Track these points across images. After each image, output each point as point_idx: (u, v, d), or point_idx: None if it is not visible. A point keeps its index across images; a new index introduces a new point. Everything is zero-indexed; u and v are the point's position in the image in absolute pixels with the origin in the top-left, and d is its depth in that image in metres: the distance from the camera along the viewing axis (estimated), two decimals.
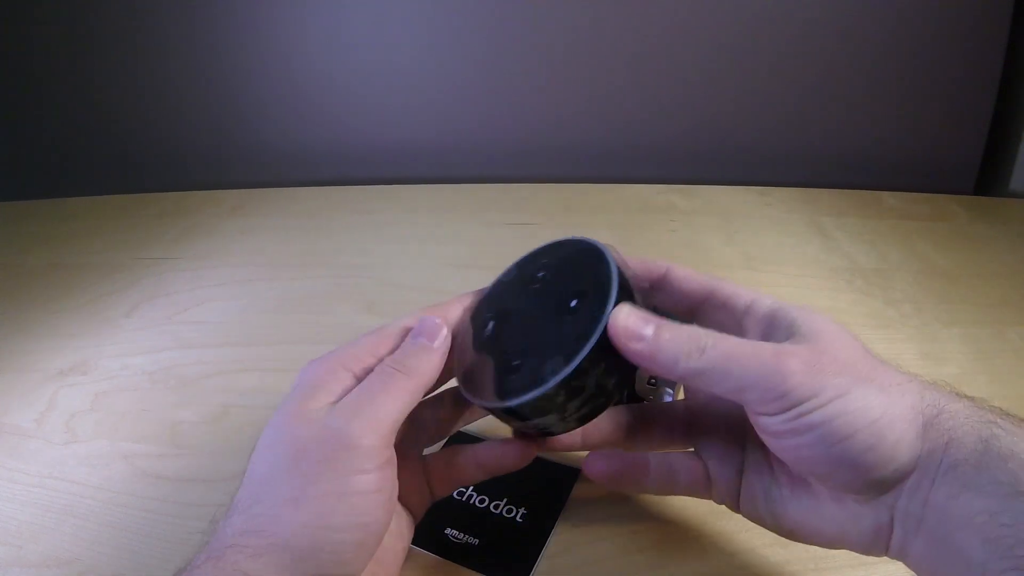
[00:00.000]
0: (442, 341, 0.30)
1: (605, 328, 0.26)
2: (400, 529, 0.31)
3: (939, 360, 0.49)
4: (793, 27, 0.73)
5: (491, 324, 0.31)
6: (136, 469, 0.42)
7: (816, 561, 0.34)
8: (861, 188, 0.75)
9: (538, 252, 0.34)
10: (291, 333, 0.54)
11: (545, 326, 0.29)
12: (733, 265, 0.61)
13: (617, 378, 0.28)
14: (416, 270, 0.62)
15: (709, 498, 0.32)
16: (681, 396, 0.38)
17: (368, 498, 0.25)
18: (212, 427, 0.45)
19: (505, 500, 0.37)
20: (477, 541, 0.35)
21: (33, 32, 0.77)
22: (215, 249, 0.67)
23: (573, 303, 0.28)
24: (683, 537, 0.35)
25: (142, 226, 0.73)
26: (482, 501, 0.37)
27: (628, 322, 0.26)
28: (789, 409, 0.24)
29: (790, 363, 0.24)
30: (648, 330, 0.26)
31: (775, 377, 0.24)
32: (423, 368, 0.29)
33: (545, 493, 0.38)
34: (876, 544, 0.26)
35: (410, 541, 0.32)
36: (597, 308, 0.27)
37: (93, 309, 0.58)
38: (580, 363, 0.26)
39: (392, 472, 0.27)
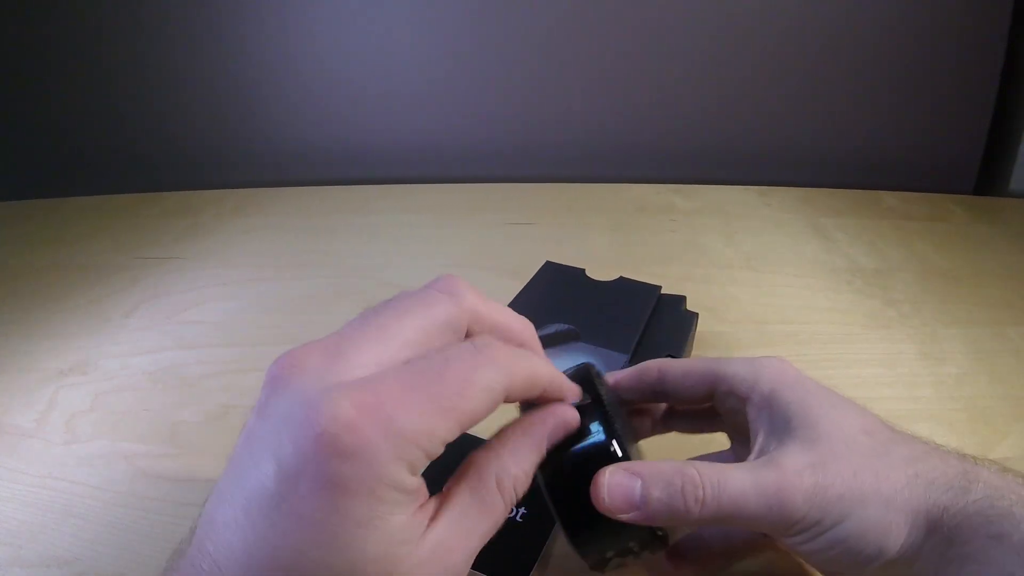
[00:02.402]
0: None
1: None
2: None
3: (939, 360, 0.49)
4: (793, 27, 0.73)
5: None
6: (136, 469, 0.42)
7: None
8: (861, 188, 0.75)
9: None
10: (291, 333, 0.54)
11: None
12: (733, 265, 0.61)
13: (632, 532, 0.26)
14: (416, 270, 0.62)
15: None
16: None
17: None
18: (212, 427, 0.45)
19: None
20: None
21: (34, 32, 0.77)
22: (216, 249, 0.67)
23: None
24: (683, 536, 0.35)
25: (142, 226, 0.73)
26: None
27: (612, 493, 0.24)
28: (796, 535, 0.25)
29: (794, 498, 0.24)
30: (636, 495, 0.24)
31: (781, 512, 0.24)
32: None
33: None
34: None
35: None
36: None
37: (93, 309, 0.58)
38: (575, 543, 0.26)
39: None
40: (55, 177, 0.86)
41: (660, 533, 0.26)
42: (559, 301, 0.47)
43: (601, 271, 0.50)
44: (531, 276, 0.51)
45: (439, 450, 0.21)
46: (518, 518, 0.36)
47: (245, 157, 0.84)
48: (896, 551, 0.24)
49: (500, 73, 0.79)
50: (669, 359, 0.32)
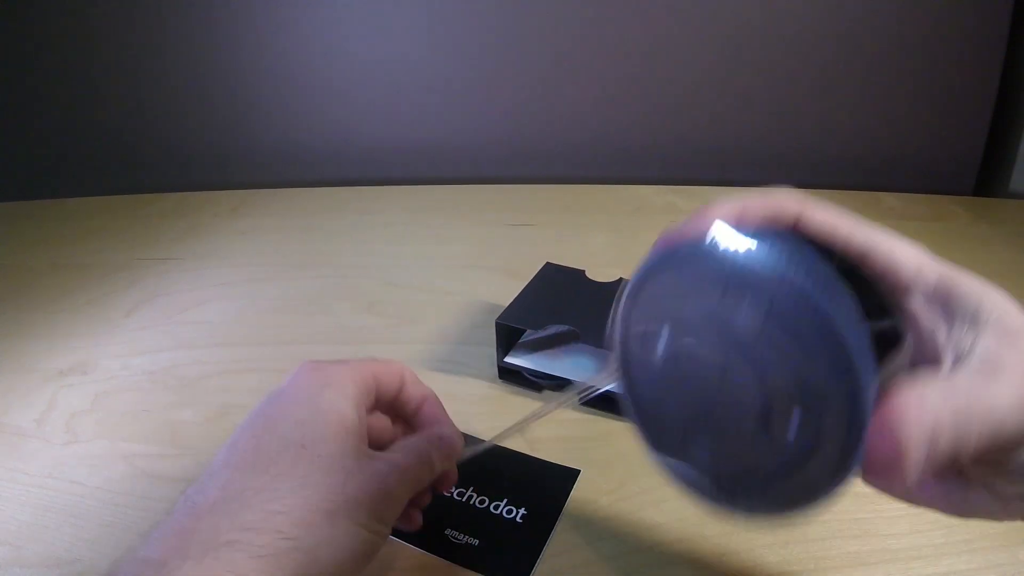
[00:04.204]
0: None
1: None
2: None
3: None
4: (793, 28, 0.73)
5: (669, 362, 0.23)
6: (136, 469, 0.42)
7: (816, 561, 0.34)
8: (861, 188, 0.75)
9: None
10: (291, 333, 0.54)
11: (747, 431, 0.21)
12: None
13: None
14: (416, 270, 0.62)
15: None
16: None
17: (357, 557, 0.27)
18: (212, 427, 0.45)
19: (505, 500, 0.37)
20: (477, 541, 0.35)
21: (33, 32, 0.77)
22: (215, 249, 0.67)
23: (793, 419, 0.20)
24: (682, 537, 0.35)
25: (142, 226, 0.73)
26: (482, 501, 0.37)
27: (903, 461, 0.18)
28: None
29: None
30: (910, 470, 0.18)
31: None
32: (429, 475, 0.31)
33: (545, 493, 0.38)
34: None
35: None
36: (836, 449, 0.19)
37: (93, 309, 0.58)
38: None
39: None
40: (55, 177, 0.86)
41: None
42: (559, 301, 0.47)
43: (601, 271, 0.50)
44: (531, 276, 0.51)
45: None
46: (518, 518, 0.36)
47: (245, 157, 0.84)
48: None
49: (500, 74, 0.79)
50: (808, 200, 0.24)
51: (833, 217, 0.23)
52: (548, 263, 0.53)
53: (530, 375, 0.46)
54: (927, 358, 0.22)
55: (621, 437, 0.42)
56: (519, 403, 0.45)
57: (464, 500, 0.37)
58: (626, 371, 0.25)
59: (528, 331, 0.48)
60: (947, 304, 0.22)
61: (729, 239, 0.21)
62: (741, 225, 0.22)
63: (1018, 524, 0.23)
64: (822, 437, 0.19)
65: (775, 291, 0.19)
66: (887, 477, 0.18)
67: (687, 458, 0.23)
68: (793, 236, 0.22)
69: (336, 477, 0.26)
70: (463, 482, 0.38)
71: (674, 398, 0.23)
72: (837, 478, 0.19)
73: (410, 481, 0.29)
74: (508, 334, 0.47)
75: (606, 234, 0.67)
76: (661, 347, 0.23)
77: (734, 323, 0.20)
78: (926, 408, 0.18)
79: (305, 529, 0.25)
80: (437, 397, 0.35)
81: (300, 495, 0.25)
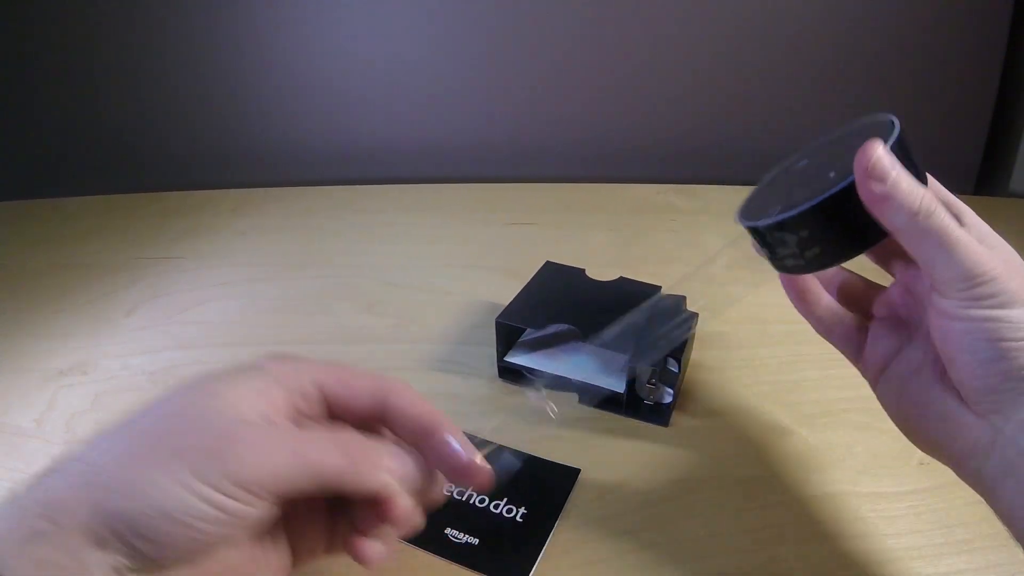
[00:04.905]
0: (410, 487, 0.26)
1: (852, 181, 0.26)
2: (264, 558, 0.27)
3: None
4: (792, 27, 0.73)
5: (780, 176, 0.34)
6: None
7: (816, 560, 0.34)
8: None
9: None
10: (291, 333, 0.54)
11: (818, 176, 0.29)
12: (733, 265, 0.61)
13: (855, 231, 0.28)
14: (416, 270, 0.62)
15: (855, 363, 0.35)
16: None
17: (212, 526, 0.22)
18: None
19: (505, 500, 0.37)
20: (477, 541, 0.35)
21: (33, 32, 0.77)
22: (215, 249, 0.67)
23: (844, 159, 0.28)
24: (682, 537, 0.35)
25: (142, 226, 0.73)
26: (482, 501, 0.37)
27: (876, 161, 0.26)
28: (975, 300, 0.26)
29: (996, 266, 0.26)
30: (892, 173, 0.26)
31: (979, 270, 0.26)
32: (372, 478, 0.25)
33: (545, 493, 0.38)
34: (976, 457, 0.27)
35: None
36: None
37: (93, 309, 0.58)
38: (824, 200, 0.27)
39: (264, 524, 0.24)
40: (55, 177, 0.86)
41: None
42: (559, 301, 0.47)
43: (601, 271, 0.50)
44: (531, 276, 0.51)
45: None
46: (518, 518, 0.36)
47: (245, 157, 0.84)
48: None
49: (500, 73, 0.79)
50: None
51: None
52: (548, 262, 0.53)
53: (530, 374, 0.46)
54: None
55: (621, 437, 0.42)
56: (519, 403, 0.45)
57: (464, 499, 0.37)
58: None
59: (528, 330, 0.48)
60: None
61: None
62: None
63: None
64: None
65: None
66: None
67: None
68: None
69: (183, 423, 0.24)
70: None
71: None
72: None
73: (308, 465, 0.24)
74: (508, 333, 0.47)
75: (606, 234, 0.67)
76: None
77: None
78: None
79: (122, 466, 0.23)
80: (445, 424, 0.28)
81: (137, 438, 0.24)
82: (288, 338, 0.54)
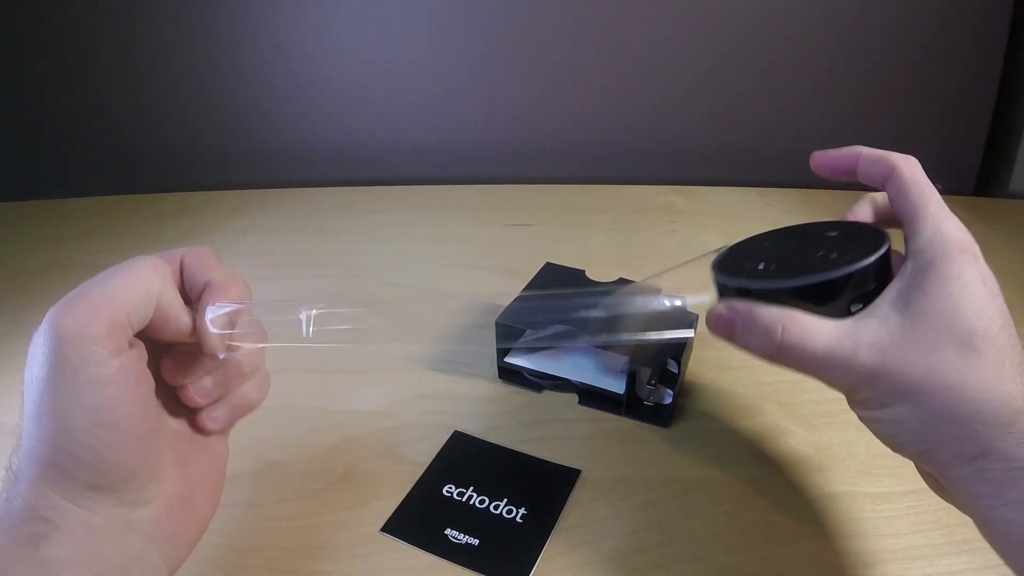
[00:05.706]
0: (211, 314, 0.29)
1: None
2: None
3: None
4: (793, 28, 0.73)
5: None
6: None
7: (816, 560, 0.34)
8: (861, 189, 0.75)
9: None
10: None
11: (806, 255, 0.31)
12: None
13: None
14: (416, 270, 0.62)
15: None
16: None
17: (105, 392, 0.24)
18: None
19: (505, 500, 0.37)
20: (477, 541, 0.35)
21: (34, 32, 0.77)
22: (215, 249, 0.67)
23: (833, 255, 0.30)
24: (682, 537, 0.35)
25: (142, 226, 0.73)
26: (482, 501, 0.37)
27: (718, 311, 0.30)
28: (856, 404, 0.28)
29: (860, 368, 0.27)
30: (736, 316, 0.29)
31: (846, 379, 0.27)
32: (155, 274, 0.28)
33: (545, 493, 0.38)
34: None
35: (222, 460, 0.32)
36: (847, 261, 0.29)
37: None
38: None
39: (135, 362, 0.25)
40: (55, 177, 0.86)
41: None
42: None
43: (601, 271, 0.50)
44: (531, 276, 0.51)
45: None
46: (518, 518, 0.36)
47: (244, 158, 0.84)
48: (947, 455, 0.26)
49: (500, 74, 0.79)
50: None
51: (912, 187, 0.31)
52: (548, 263, 0.53)
53: (530, 375, 0.46)
54: None
55: (621, 437, 0.42)
56: (519, 403, 0.45)
57: (464, 500, 0.37)
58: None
59: (528, 331, 0.48)
60: (914, 267, 0.29)
61: None
62: None
63: None
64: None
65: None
66: None
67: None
68: None
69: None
70: (463, 481, 0.38)
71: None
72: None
73: (123, 291, 0.26)
74: (508, 334, 0.47)
75: (606, 234, 0.67)
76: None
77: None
78: None
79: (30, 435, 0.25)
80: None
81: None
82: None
